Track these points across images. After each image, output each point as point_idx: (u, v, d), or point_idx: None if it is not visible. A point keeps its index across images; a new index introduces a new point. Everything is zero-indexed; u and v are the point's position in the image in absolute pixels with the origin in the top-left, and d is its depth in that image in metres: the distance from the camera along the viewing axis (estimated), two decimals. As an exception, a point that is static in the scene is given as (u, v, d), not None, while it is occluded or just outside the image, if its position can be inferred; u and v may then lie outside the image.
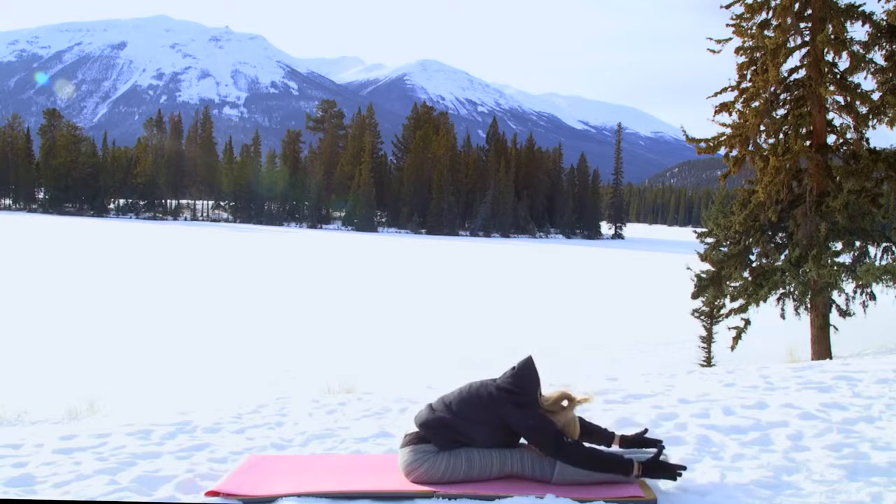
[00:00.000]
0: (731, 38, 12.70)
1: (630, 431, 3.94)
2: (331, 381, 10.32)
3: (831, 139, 12.52)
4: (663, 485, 3.18)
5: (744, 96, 12.64)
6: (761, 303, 12.82)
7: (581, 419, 3.38)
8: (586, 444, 3.20)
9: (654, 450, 3.27)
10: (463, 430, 3.16)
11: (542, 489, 2.99)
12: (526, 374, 3.25)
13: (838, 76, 11.88)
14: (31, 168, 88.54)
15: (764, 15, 12.32)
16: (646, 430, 3.46)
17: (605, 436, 3.43)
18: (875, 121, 11.70)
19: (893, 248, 12.27)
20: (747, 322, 13.22)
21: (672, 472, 3.13)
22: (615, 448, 3.40)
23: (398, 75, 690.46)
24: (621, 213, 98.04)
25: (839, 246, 12.25)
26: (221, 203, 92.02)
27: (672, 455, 3.66)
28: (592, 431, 3.42)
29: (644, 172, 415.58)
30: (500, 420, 3.16)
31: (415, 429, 3.24)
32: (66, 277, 26.39)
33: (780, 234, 13.18)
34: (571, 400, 3.24)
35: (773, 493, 3.11)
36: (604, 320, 22.29)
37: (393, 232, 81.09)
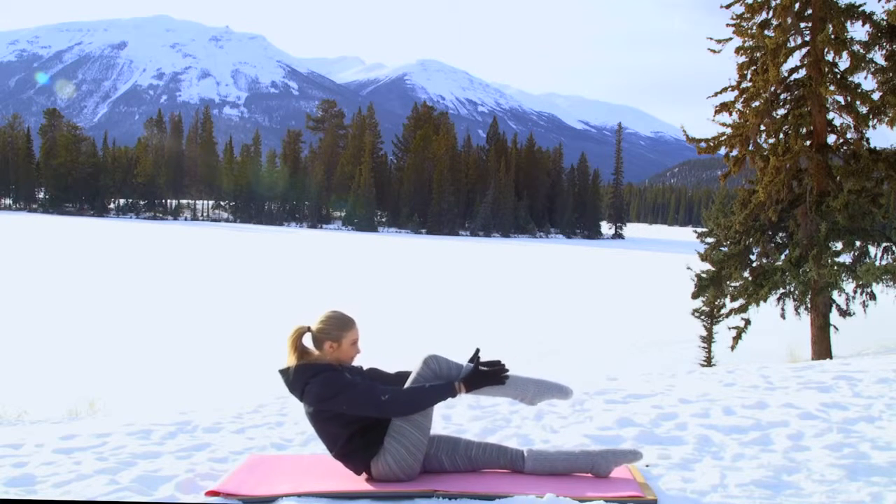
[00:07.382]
0: (731, 38, 12.72)
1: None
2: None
3: (831, 139, 12.54)
4: (663, 485, 3.18)
5: (744, 96, 12.65)
6: (761, 303, 12.84)
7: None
8: (405, 387, 3.05)
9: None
10: (352, 444, 3.06)
11: (541, 488, 2.99)
12: (300, 372, 3.06)
13: (838, 76, 11.90)
14: (32, 168, 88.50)
15: (764, 15, 12.34)
16: (477, 351, 3.23)
17: None
18: (875, 121, 11.72)
19: (893, 248, 12.28)
20: (747, 322, 13.24)
21: (496, 377, 3.06)
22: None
23: (398, 75, 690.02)
24: (621, 213, 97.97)
25: (839, 246, 12.26)
26: (222, 203, 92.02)
27: (672, 455, 3.66)
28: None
29: (644, 172, 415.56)
30: (333, 415, 3.03)
31: None
32: (67, 277, 26.40)
33: (780, 234, 13.20)
34: (304, 332, 3.10)
35: (773, 493, 3.10)
36: (604, 320, 22.29)
37: (393, 232, 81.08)
